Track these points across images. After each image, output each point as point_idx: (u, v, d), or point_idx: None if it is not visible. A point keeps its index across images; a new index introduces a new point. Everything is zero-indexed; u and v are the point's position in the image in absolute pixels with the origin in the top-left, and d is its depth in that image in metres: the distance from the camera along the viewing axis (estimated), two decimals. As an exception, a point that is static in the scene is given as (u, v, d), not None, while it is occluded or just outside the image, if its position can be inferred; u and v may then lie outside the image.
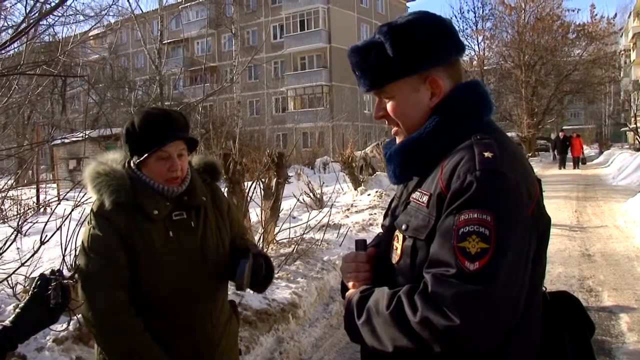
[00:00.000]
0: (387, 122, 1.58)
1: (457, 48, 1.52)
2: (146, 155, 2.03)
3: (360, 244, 1.64)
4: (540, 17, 34.91)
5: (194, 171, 2.24)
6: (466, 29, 42.45)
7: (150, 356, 1.98)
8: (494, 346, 1.26)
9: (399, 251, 1.44)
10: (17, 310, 1.66)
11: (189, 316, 2.08)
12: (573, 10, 37.19)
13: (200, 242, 2.13)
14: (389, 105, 1.53)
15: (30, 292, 1.68)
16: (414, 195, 1.45)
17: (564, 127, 33.60)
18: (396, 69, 1.46)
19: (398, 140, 1.57)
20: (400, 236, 1.44)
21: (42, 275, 1.69)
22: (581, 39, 35.83)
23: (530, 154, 34.89)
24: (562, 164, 26.98)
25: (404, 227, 1.43)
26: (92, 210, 2.09)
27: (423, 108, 1.49)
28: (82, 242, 2.06)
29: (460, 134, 1.42)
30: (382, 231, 1.75)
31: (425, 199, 1.38)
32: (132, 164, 2.11)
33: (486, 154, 1.31)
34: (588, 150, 36.53)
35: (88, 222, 2.08)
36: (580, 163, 27.45)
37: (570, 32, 35.78)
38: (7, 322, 1.63)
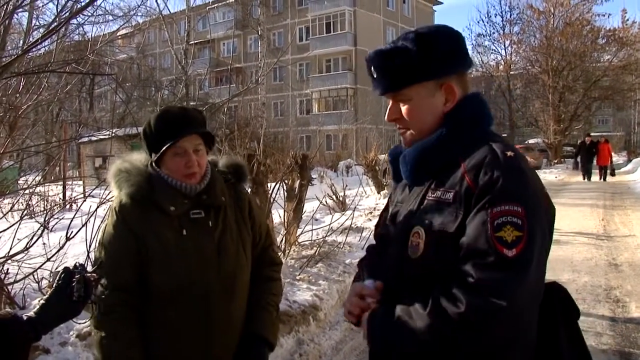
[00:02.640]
0: (398, 125, 1.67)
1: (468, 62, 1.66)
2: (162, 151, 2.04)
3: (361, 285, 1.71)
4: (570, 21, 34.53)
5: (215, 171, 2.23)
6: (493, 33, 42.23)
7: None
8: (532, 327, 1.46)
9: (421, 245, 1.51)
10: (41, 302, 1.68)
11: (202, 312, 2.06)
12: (603, 15, 36.80)
13: (218, 242, 2.11)
14: (405, 109, 1.62)
15: (54, 284, 1.70)
16: (432, 195, 1.53)
17: (591, 133, 29.17)
18: (417, 73, 1.56)
19: (405, 141, 1.67)
20: (422, 231, 1.51)
21: (66, 269, 1.72)
22: (611, 45, 35.31)
23: (556, 161, 34.46)
24: (587, 175, 22.86)
25: (427, 222, 1.51)
26: (111, 206, 2.13)
27: (437, 113, 1.59)
28: (100, 236, 2.13)
29: (473, 138, 1.54)
30: (374, 243, 1.90)
31: (450, 195, 1.48)
32: (152, 163, 2.13)
33: (508, 153, 1.45)
34: (616, 158, 35.69)
35: (107, 217, 2.13)
36: (607, 174, 23.05)
37: (600, 37, 35.31)
38: (31, 313, 1.65)
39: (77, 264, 1.77)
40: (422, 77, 1.56)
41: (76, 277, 1.68)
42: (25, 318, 1.63)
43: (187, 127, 2.04)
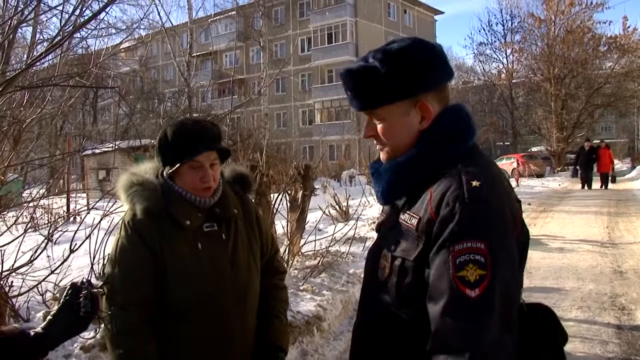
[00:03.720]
0: (375, 142, 1.63)
1: (446, 74, 1.57)
2: (178, 165, 2.03)
3: None
4: (571, 29, 34.56)
5: (226, 183, 2.24)
6: (494, 41, 42.42)
7: None
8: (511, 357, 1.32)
9: (387, 270, 1.51)
10: (49, 317, 1.71)
11: (218, 324, 2.06)
12: (605, 23, 36.51)
13: (231, 255, 2.12)
14: (380, 127, 1.57)
15: (61, 300, 1.72)
16: (402, 217, 1.51)
17: (589, 138, 26.34)
18: (388, 94, 1.50)
19: (383, 158, 1.62)
20: (389, 255, 1.51)
21: (73, 285, 1.75)
22: (613, 52, 35.30)
23: (559, 169, 34.42)
24: (587, 183, 21.38)
25: (392, 247, 1.51)
26: (123, 220, 2.09)
27: (413, 131, 1.54)
28: (110, 252, 2.08)
29: (446, 159, 1.48)
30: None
31: (414, 221, 1.44)
32: (164, 174, 2.12)
33: (474, 183, 1.37)
34: (619, 165, 35.40)
35: (118, 232, 2.09)
36: (609, 181, 21.61)
37: (601, 44, 35.29)
38: (39, 329, 1.67)
39: (84, 280, 1.80)
40: (393, 98, 1.51)
41: (83, 292, 1.70)
42: (32, 333, 1.65)
43: (205, 144, 2.04)
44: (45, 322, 1.69)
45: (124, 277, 1.98)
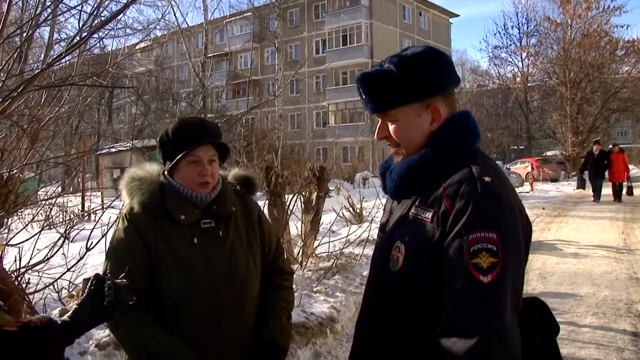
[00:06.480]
0: (388, 143, 1.73)
1: (455, 81, 1.70)
2: (177, 159, 2.07)
3: None
4: (587, 33, 34.27)
5: (226, 183, 2.26)
6: (510, 45, 42.14)
7: (162, 342, 1.97)
8: (519, 345, 1.39)
9: (401, 260, 1.58)
10: (75, 306, 1.77)
11: (212, 322, 2.06)
12: (622, 26, 36.26)
13: (229, 253, 2.12)
14: (393, 128, 1.68)
15: (86, 290, 1.77)
16: (414, 211, 1.60)
17: (599, 141, 21.69)
18: (403, 96, 1.61)
19: (396, 159, 1.73)
20: (403, 247, 1.58)
21: (97, 275, 1.81)
22: (630, 56, 34.94)
23: (574, 173, 34.11)
24: (597, 195, 17.97)
25: (407, 238, 1.58)
26: (120, 212, 2.15)
27: (423, 132, 1.64)
28: (109, 242, 2.13)
29: (456, 158, 1.58)
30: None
31: (428, 215, 1.53)
32: (165, 172, 2.16)
33: (486, 179, 1.48)
34: (635, 170, 34.87)
35: (116, 224, 2.14)
36: (623, 193, 17.82)
37: (618, 48, 34.95)
38: (65, 317, 1.73)
39: (108, 271, 1.85)
40: (407, 99, 1.61)
41: (107, 283, 1.75)
42: (60, 322, 1.70)
43: (203, 137, 2.08)
44: (72, 311, 1.75)
45: (118, 264, 1.98)
